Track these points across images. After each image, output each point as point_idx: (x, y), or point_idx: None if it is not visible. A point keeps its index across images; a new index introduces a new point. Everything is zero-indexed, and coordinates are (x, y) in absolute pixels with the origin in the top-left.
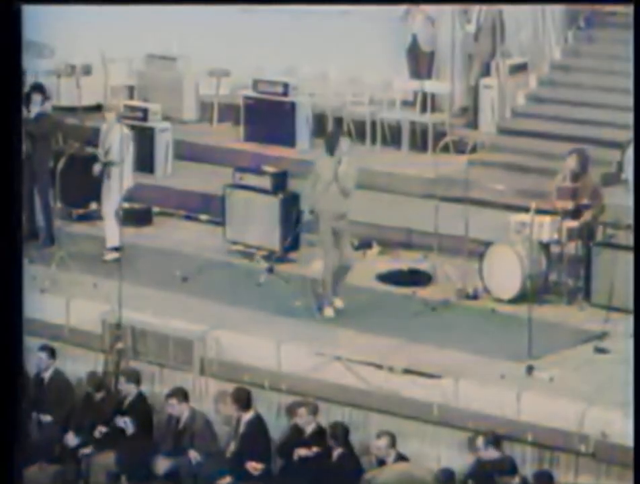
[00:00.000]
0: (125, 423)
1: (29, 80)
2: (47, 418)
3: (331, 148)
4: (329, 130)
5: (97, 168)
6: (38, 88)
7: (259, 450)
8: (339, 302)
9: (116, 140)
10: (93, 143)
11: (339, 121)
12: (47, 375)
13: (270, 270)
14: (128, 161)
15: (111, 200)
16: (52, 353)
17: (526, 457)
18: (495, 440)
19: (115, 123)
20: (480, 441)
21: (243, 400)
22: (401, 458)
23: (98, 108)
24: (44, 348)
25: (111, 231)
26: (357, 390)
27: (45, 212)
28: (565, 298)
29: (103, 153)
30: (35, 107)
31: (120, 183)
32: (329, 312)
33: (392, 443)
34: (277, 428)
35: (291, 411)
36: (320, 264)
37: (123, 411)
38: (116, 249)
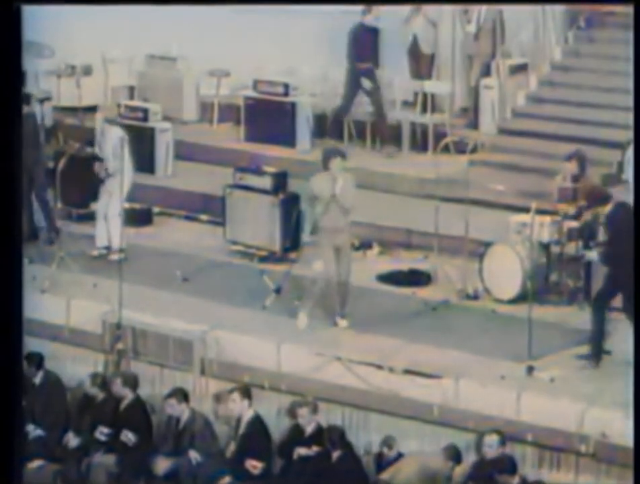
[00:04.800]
0: (127, 436)
1: (29, 80)
2: (43, 420)
3: (325, 164)
4: (325, 147)
5: (97, 167)
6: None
7: (259, 450)
8: (343, 323)
9: (112, 145)
10: (93, 143)
11: (339, 121)
12: (37, 381)
13: (278, 291)
14: (127, 163)
15: (105, 201)
16: (39, 361)
17: (526, 457)
18: (504, 440)
19: (104, 124)
20: (494, 438)
21: (250, 394)
22: (400, 456)
23: (74, 109)
24: (27, 358)
25: (101, 231)
26: (357, 390)
27: (44, 211)
28: (565, 298)
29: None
30: None
31: (117, 184)
32: (342, 323)
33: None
34: (277, 428)
35: (292, 412)
36: (320, 266)
37: (120, 413)
38: (107, 249)
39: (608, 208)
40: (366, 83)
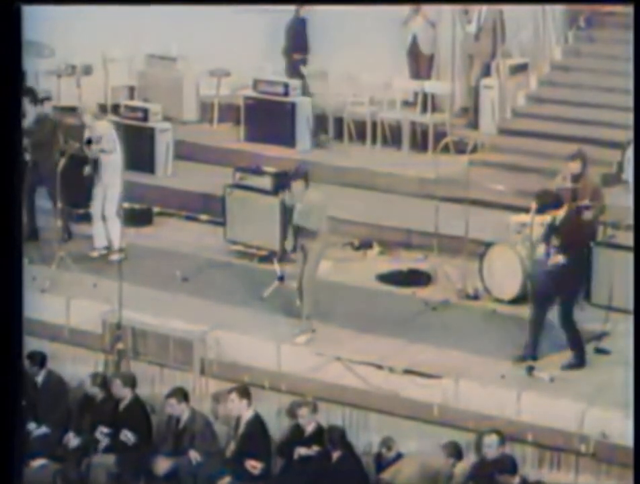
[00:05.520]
0: (126, 436)
1: (29, 80)
2: (45, 419)
3: (287, 186)
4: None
5: (87, 170)
6: (28, 92)
7: (259, 450)
8: (301, 339)
9: (104, 136)
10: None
11: (339, 121)
12: (39, 380)
13: (282, 279)
14: (119, 162)
15: (99, 201)
16: (42, 360)
17: (526, 457)
18: (503, 439)
19: (94, 121)
20: (493, 439)
21: (249, 394)
22: (400, 456)
23: (73, 109)
24: (30, 356)
25: (99, 231)
26: (357, 390)
27: (57, 212)
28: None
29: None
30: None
31: (112, 184)
32: (300, 339)
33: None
34: (277, 428)
35: (292, 412)
36: (328, 266)
37: (120, 413)
38: (106, 249)
39: (562, 212)
40: (305, 71)
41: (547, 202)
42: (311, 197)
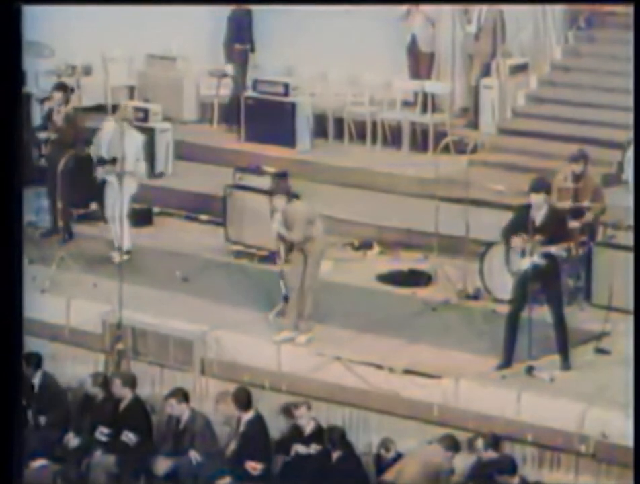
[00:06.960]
0: (128, 436)
1: (29, 80)
2: (44, 419)
3: (270, 196)
4: (275, 181)
5: (100, 171)
6: (60, 87)
7: (259, 450)
8: (301, 338)
9: (133, 148)
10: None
11: (339, 121)
12: (36, 381)
13: (286, 299)
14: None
15: (112, 202)
16: (38, 361)
17: (526, 457)
18: (495, 442)
19: (127, 127)
20: (480, 443)
21: (243, 400)
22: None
23: (98, 108)
24: (26, 358)
25: (119, 233)
26: (357, 390)
27: (66, 212)
28: (565, 298)
29: (113, 158)
30: (56, 106)
31: (132, 186)
32: (301, 339)
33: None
34: (277, 428)
35: (289, 413)
36: (328, 266)
37: (120, 413)
38: (119, 249)
39: (543, 204)
40: (229, 68)
41: (536, 184)
42: (294, 210)
